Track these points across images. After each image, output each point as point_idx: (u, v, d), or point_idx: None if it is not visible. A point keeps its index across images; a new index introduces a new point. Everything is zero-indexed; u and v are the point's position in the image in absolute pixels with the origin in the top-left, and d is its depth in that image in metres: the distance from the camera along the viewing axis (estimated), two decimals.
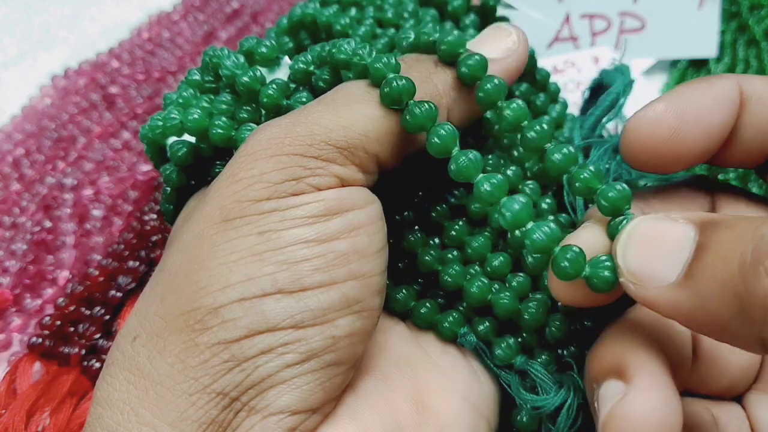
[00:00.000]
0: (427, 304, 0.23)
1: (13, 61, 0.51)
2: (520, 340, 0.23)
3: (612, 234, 0.19)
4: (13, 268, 0.35)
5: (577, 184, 0.20)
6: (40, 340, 0.32)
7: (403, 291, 0.24)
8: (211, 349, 0.18)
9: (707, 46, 0.45)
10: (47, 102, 0.45)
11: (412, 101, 0.20)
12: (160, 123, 0.22)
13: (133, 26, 0.52)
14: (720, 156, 0.22)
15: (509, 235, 0.24)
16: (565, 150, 0.20)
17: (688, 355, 0.21)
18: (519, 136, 0.21)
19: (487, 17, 0.30)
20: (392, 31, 0.28)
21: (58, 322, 0.32)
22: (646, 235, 0.18)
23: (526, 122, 0.21)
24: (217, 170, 0.23)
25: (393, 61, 0.20)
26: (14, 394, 0.29)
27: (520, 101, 0.21)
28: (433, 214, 0.24)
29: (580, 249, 0.18)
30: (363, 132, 0.20)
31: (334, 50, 0.21)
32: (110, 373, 0.18)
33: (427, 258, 0.23)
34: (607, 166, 0.26)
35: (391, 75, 0.20)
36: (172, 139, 0.23)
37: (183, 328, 0.18)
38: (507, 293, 0.23)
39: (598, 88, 0.30)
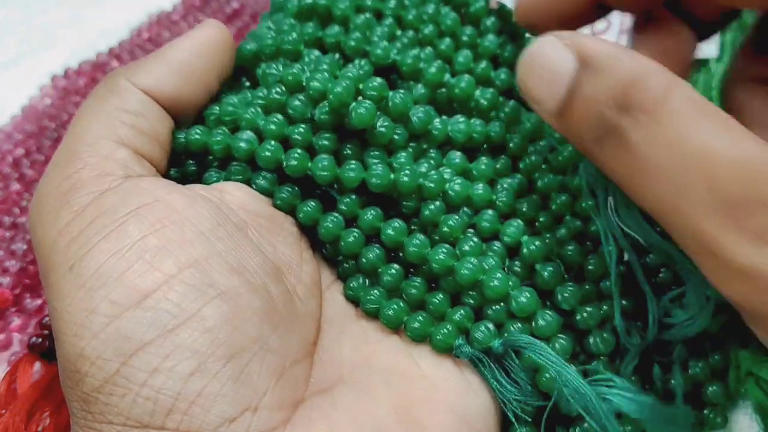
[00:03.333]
0: (420, 318, 0.22)
1: (13, 61, 0.51)
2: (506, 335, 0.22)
3: None
4: (13, 268, 0.35)
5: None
6: (40, 340, 0.32)
7: (394, 306, 0.23)
8: (102, 388, 0.17)
9: (707, 46, 0.45)
10: (47, 102, 0.45)
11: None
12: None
13: (133, 26, 0.52)
14: None
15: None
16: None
17: None
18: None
19: (506, 21, 0.29)
20: (411, 33, 0.28)
21: None
22: (531, 59, 0.19)
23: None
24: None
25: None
26: (14, 394, 0.29)
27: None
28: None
29: None
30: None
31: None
32: None
33: (412, 249, 0.23)
34: None
35: None
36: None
37: (73, 385, 0.18)
38: (498, 274, 0.22)
39: None
